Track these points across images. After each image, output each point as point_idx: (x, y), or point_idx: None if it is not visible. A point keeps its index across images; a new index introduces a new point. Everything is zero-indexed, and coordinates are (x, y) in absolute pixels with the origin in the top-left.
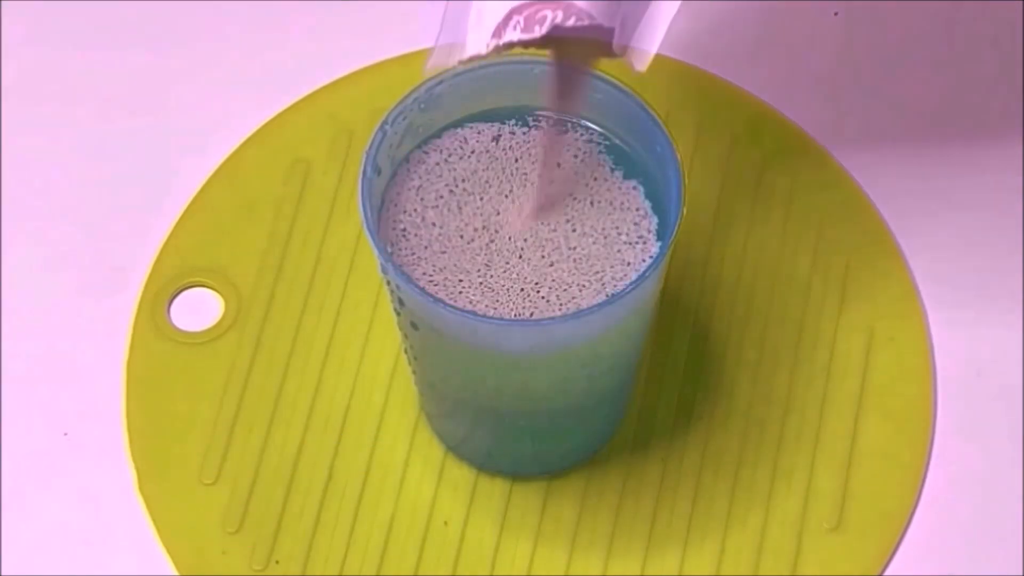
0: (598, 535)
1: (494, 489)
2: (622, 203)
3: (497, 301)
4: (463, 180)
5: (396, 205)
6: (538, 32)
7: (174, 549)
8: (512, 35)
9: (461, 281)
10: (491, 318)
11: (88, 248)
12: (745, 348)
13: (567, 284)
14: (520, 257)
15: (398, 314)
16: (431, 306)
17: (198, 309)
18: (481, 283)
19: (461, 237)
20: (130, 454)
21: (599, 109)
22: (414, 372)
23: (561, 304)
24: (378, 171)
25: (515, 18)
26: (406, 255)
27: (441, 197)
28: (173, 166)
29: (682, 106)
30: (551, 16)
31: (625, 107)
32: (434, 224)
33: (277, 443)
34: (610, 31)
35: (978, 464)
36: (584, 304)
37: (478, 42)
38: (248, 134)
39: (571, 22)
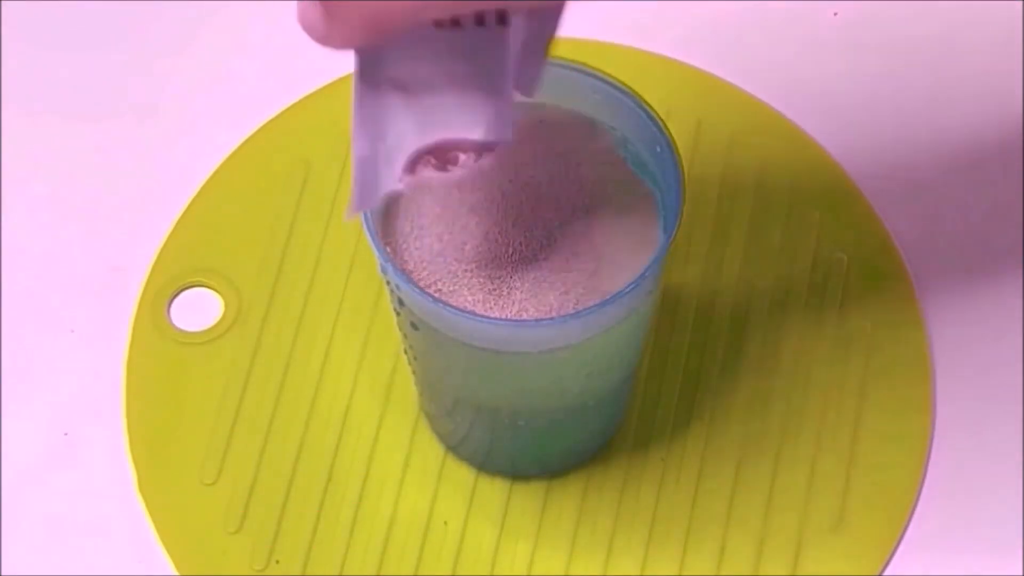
0: (598, 535)
1: (494, 489)
2: (626, 202)
3: (498, 300)
4: (462, 179)
5: (396, 205)
6: (455, 172)
7: (174, 549)
8: (427, 172)
9: (461, 280)
10: (491, 318)
11: (88, 248)
12: (745, 348)
13: (568, 283)
14: (521, 256)
15: (398, 314)
16: (431, 306)
17: (198, 309)
18: (481, 282)
19: (461, 236)
20: (130, 454)
21: (599, 109)
22: (414, 372)
23: (562, 304)
24: None
25: (426, 156)
26: (406, 255)
27: (440, 196)
28: (173, 166)
29: (682, 106)
30: (464, 158)
31: (625, 107)
32: (434, 224)
33: (277, 443)
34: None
35: (978, 464)
36: (584, 304)
37: (391, 179)
38: (248, 134)
39: (484, 161)
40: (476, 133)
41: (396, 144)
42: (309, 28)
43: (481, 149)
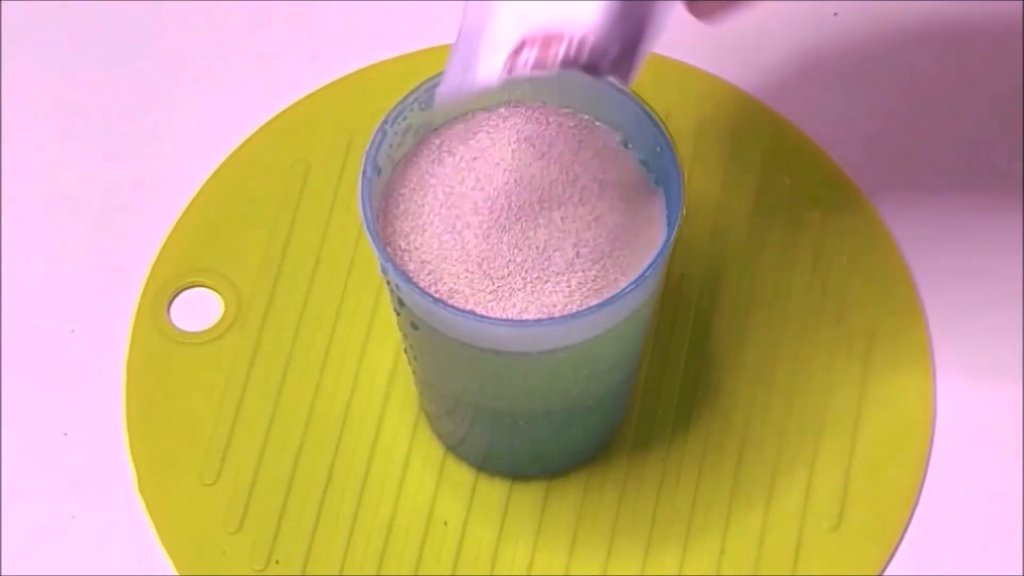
0: (598, 535)
1: (494, 489)
2: (629, 202)
3: (499, 302)
4: (463, 179)
5: (396, 205)
6: (550, 68)
7: (174, 549)
8: (524, 70)
9: (462, 281)
10: (491, 318)
11: (88, 248)
12: (745, 348)
13: (571, 284)
14: (523, 257)
15: (398, 314)
16: (431, 306)
17: (198, 309)
18: (482, 283)
19: (461, 236)
20: (130, 454)
21: (600, 110)
22: (414, 372)
23: (562, 304)
24: (378, 171)
25: (527, 49)
26: (406, 255)
27: (441, 196)
28: (173, 166)
29: (682, 106)
30: (564, 52)
31: (625, 107)
32: (434, 223)
33: (277, 443)
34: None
35: (978, 464)
36: (586, 305)
37: (490, 73)
38: (248, 134)
39: (584, 58)
40: (581, 31)
41: (502, 30)
42: None
43: (579, 52)
